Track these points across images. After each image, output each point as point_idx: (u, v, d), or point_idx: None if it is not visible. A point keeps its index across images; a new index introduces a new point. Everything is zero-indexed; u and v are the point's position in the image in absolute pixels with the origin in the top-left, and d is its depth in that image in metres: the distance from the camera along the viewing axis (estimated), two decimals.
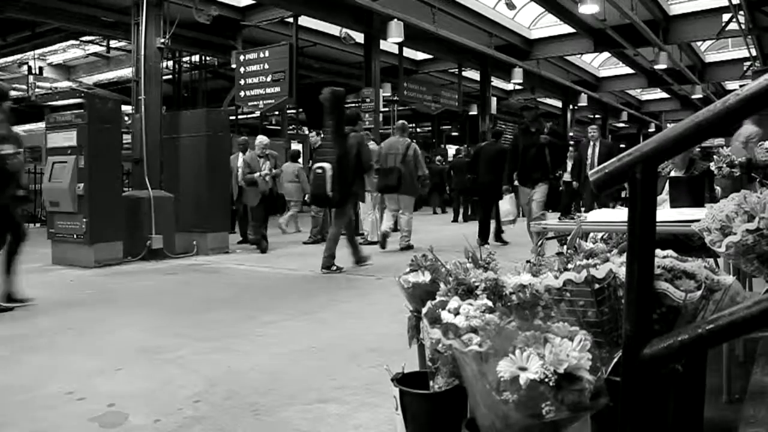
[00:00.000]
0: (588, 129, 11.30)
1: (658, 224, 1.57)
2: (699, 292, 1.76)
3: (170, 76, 17.33)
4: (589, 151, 10.41)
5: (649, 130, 33.97)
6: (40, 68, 18.99)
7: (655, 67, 18.14)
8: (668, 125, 17.68)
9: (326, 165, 6.99)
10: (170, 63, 17.45)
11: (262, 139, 9.73)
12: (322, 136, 10.59)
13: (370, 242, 9.91)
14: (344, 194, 7.03)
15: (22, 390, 3.09)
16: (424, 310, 1.90)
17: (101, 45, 17.81)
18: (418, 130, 33.94)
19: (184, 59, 18.43)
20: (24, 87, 18.88)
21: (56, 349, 3.91)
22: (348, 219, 7.42)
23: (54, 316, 4.88)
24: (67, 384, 3.15)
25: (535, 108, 8.27)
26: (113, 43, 17.14)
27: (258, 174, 9.09)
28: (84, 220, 7.50)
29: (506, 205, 8.56)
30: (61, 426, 2.62)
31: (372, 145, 10.39)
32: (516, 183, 8.55)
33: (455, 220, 15.60)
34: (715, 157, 4.77)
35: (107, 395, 2.98)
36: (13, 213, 5.38)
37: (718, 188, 4.65)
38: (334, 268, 6.97)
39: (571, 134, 25.18)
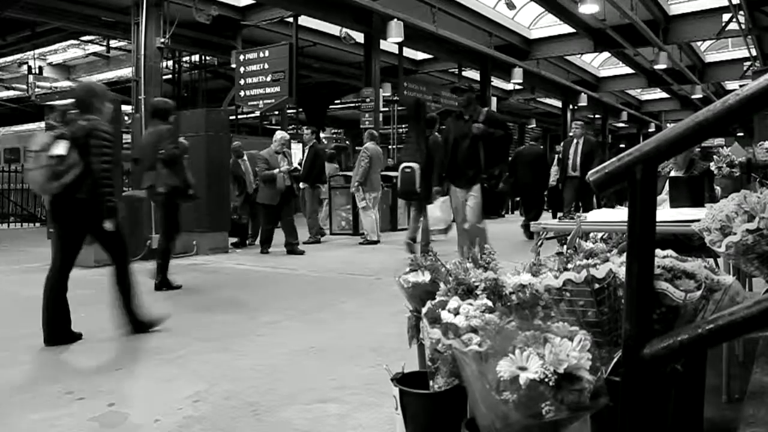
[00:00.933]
0: (572, 125, 10.44)
1: (658, 224, 1.57)
2: (699, 292, 1.76)
3: (170, 76, 17.33)
4: (572, 149, 9.84)
5: (649, 130, 33.97)
6: (40, 68, 18.98)
7: (655, 67, 18.14)
8: (668, 125, 17.67)
9: (414, 165, 7.95)
10: (170, 63, 17.45)
11: (283, 134, 9.56)
12: (311, 132, 10.39)
13: (369, 242, 9.94)
14: (429, 189, 7.72)
15: (22, 390, 3.09)
16: (423, 310, 1.90)
17: (101, 45, 17.81)
18: None
19: (184, 59, 18.43)
20: (24, 87, 18.88)
21: (56, 349, 3.90)
22: None
23: None
24: (67, 384, 3.15)
25: (470, 90, 6.49)
26: (113, 43, 17.14)
27: (278, 170, 8.98)
28: None
29: (436, 211, 7.26)
30: (61, 426, 2.62)
31: (368, 144, 10.42)
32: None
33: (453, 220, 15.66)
34: (715, 157, 4.77)
35: (107, 395, 2.98)
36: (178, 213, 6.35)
37: (718, 188, 4.64)
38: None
39: (570, 134, 25.15)
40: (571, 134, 10.29)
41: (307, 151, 10.25)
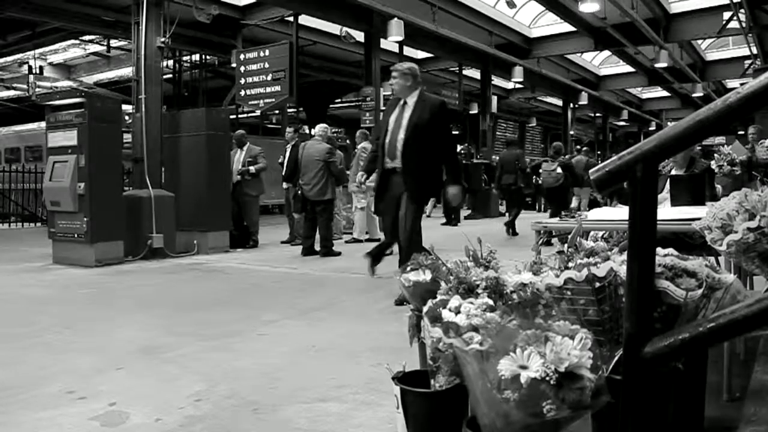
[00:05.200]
0: (391, 71, 5.33)
1: (658, 223, 1.57)
2: (700, 291, 1.76)
3: (170, 76, 17.33)
4: (393, 117, 5.20)
5: (650, 129, 33.98)
6: (41, 67, 18.98)
7: (656, 65, 18.16)
8: (669, 124, 17.66)
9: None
10: (170, 62, 17.46)
11: (325, 126, 9.33)
12: (294, 131, 10.27)
13: (356, 240, 9.92)
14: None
15: (23, 389, 3.09)
16: (425, 309, 1.90)
17: (101, 44, 17.84)
18: None
19: (185, 58, 18.44)
20: (24, 86, 18.88)
21: (57, 349, 3.91)
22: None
23: (55, 316, 4.88)
24: (67, 383, 3.15)
25: None
26: (113, 43, 17.15)
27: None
28: (85, 219, 7.50)
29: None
30: (62, 425, 2.62)
31: (366, 144, 10.39)
32: None
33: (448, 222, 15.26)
34: (715, 155, 4.77)
35: (108, 394, 2.98)
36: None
37: (718, 186, 4.64)
38: None
39: (572, 132, 25.15)
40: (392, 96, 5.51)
41: (290, 150, 9.81)
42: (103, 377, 3.28)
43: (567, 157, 12.22)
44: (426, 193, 5.40)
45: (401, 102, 5.24)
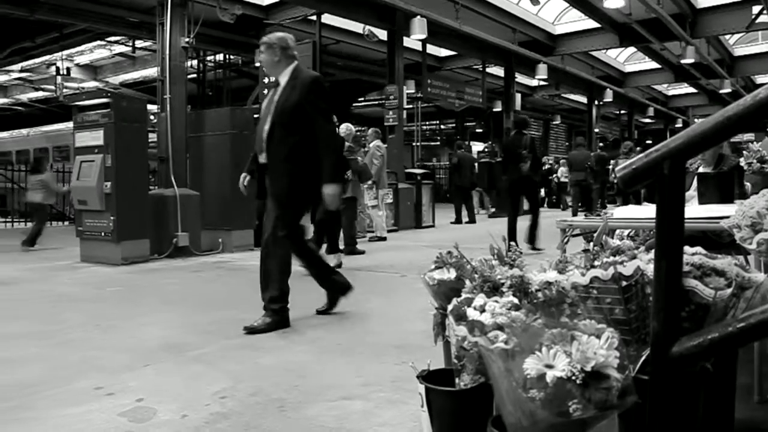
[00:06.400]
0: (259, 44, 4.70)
1: (686, 221, 1.55)
2: (729, 290, 1.74)
3: (195, 75, 17.47)
4: (265, 102, 4.55)
5: (676, 126, 33.48)
6: (68, 69, 19.28)
7: (682, 61, 17.86)
8: (696, 121, 17.41)
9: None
10: (195, 62, 17.60)
11: (349, 126, 9.07)
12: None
13: (379, 238, 9.94)
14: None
15: (52, 385, 3.15)
16: (449, 308, 1.90)
17: (127, 45, 18.06)
18: (442, 126, 33.92)
19: (209, 58, 18.57)
20: (52, 88, 19.19)
21: (85, 345, 3.97)
22: None
23: (82, 313, 4.96)
24: (96, 379, 3.20)
25: None
26: (138, 43, 17.36)
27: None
28: (111, 218, 7.61)
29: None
30: (91, 421, 2.66)
31: (378, 143, 10.41)
32: None
33: (458, 221, 14.52)
34: (744, 152, 4.69)
35: (136, 391, 3.02)
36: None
37: (747, 184, 4.56)
38: None
39: (596, 130, 24.89)
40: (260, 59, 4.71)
41: None
42: (130, 374, 3.33)
43: (639, 149, 12.99)
44: (297, 196, 4.34)
45: (276, 83, 4.44)
